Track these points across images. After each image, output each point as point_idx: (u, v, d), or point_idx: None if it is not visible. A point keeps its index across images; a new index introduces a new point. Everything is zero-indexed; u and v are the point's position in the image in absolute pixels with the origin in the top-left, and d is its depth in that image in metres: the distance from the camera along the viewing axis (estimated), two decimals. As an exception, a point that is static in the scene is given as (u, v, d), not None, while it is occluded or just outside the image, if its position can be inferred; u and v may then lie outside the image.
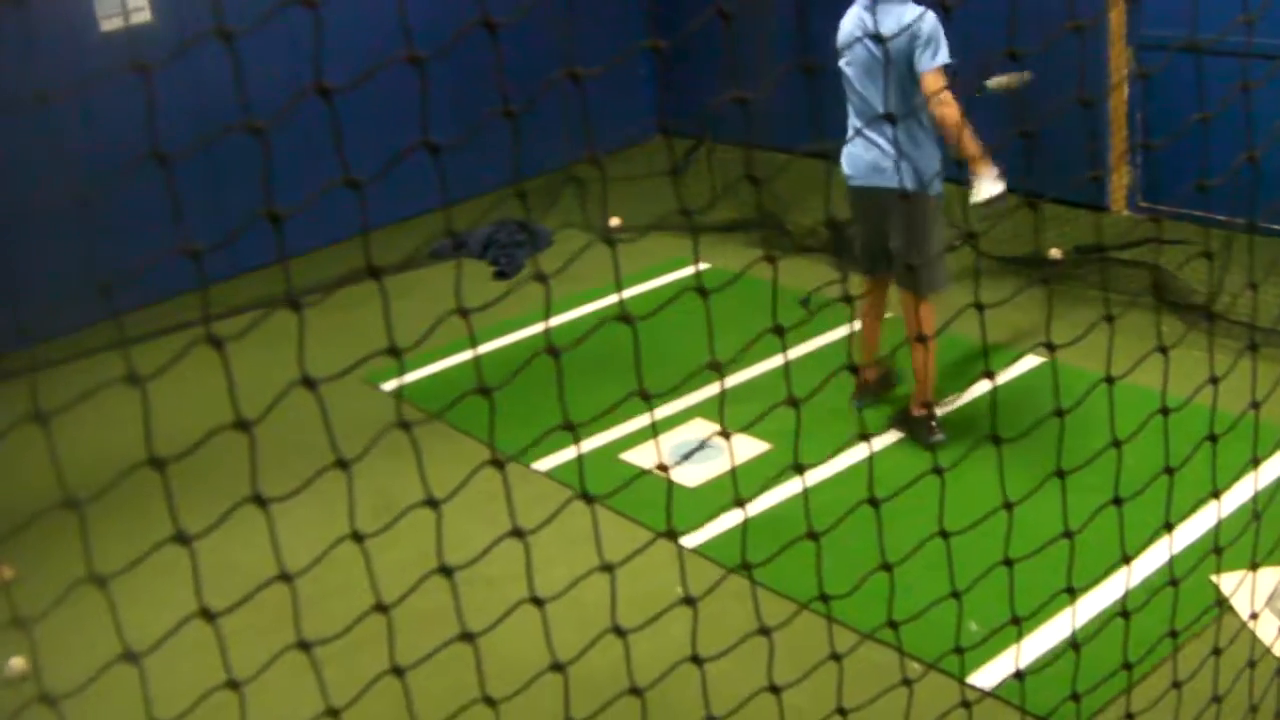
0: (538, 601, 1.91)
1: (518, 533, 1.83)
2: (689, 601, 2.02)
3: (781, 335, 1.88)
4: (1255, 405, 2.68)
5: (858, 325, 5.49)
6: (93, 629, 1.78)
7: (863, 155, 5.12)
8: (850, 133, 5.20)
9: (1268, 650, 3.51)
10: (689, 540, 4.59)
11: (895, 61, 4.90)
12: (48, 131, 6.07)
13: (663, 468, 1.96)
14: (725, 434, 1.97)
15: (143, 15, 7.17)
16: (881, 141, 5.03)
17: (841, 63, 5.11)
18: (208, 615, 1.59)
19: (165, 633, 1.76)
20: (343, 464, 1.65)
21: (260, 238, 1.61)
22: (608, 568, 1.95)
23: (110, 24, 7.08)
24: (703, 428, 5.52)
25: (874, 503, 2.14)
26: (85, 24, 6.97)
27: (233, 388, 1.50)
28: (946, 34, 4.91)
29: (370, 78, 1.59)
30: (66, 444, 2.80)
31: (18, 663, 4.31)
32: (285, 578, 1.65)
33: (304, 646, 1.71)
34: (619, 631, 1.98)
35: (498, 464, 1.80)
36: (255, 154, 1.49)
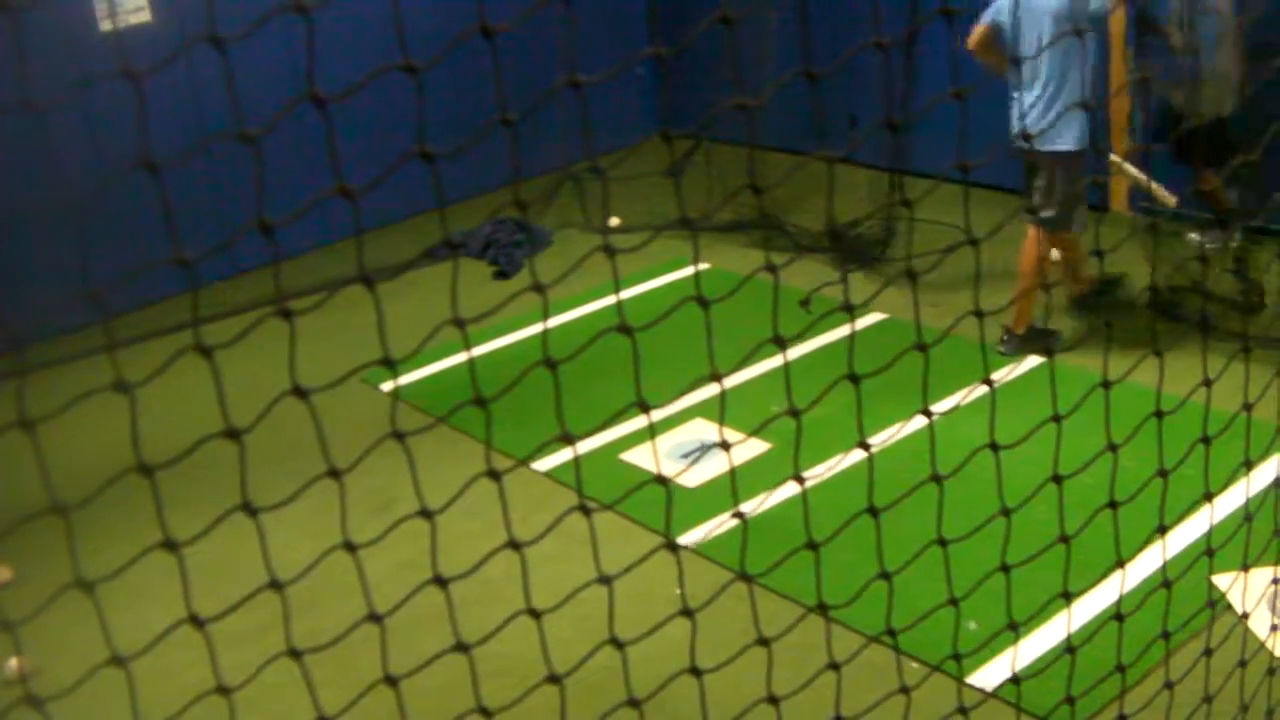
0: (535, 614, 1.91)
1: (515, 545, 1.84)
2: (688, 613, 2.02)
3: (783, 346, 1.88)
4: (1248, 408, 2.69)
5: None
6: (92, 628, 1.79)
7: (1036, 120, 5.64)
8: (1027, 98, 5.76)
9: (1261, 648, 3.52)
10: (686, 539, 4.61)
11: (1071, 19, 5.54)
12: (46, 132, 6.08)
13: (662, 479, 1.96)
14: (726, 445, 1.97)
15: (142, 15, 7.18)
16: (1050, 105, 5.61)
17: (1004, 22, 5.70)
18: (197, 622, 1.60)
19: (154, 638, 1.76)
20: (335, 474, 1.65)
21: (256, 239, 1.62)
22: (606, 580, 1.95)
23: (109, 24, 7.09)
24: (702, 428, 5.53)
25: (873, 512, 2.15)
26: (85, 24, 6.97)
27: (223, 397, 1.51)
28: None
29: (365, 86, 1.60)
30: (65, 442, 2.82)
31: (16, 663, 4.32)
32: (277, 585, 1.66)
33: (295, 655, 1.71)
34: (617, 643, 1.99)
35: (495, 475, 1.81)
36: (252, 155, 1.50)
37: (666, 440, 5.43)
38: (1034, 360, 5.58)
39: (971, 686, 3.71)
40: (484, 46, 1.77)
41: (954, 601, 2.31)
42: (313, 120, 1.91)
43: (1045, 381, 2.35)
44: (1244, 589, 3.28)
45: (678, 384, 2.32)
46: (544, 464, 5.27)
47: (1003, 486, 2.30)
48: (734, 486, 2.01)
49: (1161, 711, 2.81)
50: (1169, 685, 2.73)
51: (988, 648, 3.21)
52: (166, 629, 1.73)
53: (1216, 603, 3.63)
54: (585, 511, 1.90)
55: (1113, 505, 2.47)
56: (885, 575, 2.21)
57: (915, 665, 3.62)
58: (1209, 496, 2.72)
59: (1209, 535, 2.78)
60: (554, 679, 1.93)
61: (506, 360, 6.10)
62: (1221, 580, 3.79)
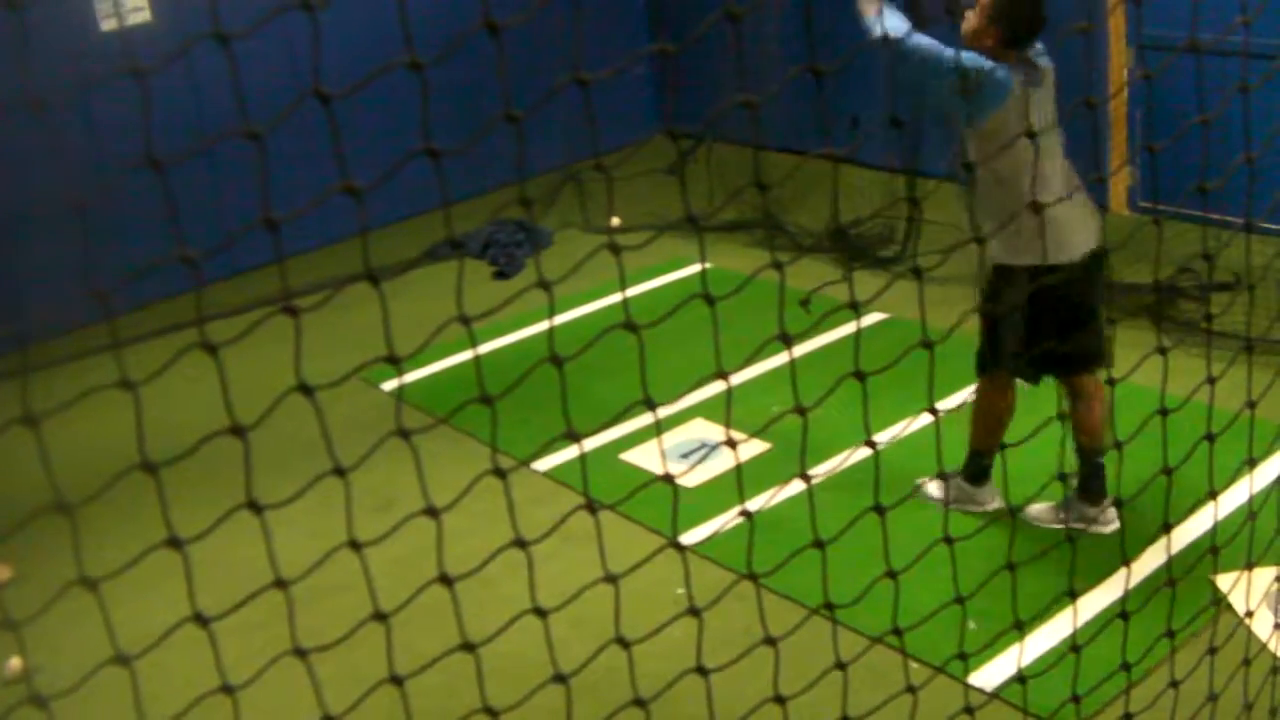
0: (540, 612, 1.91)
1: (520, 543, 1.83)
2: (694, 612, 2.02)
3: (788, 343, 1.88)
4: (1251, 405, 2.68)
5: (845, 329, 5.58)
6: (92, 627, 1.78)
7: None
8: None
9: (1264, 647, 3.52)
10: (688, 539, 4.60)
11: None
12: (47, 131, 6.08)
13: (669, 478, 1.96)
14: (731, 443, 1.97)
15: (142, 15, 7.17)
16: None
17: None
18: (202, 620, 1.59)
19: (158, 637, 1.76)
20: (340, 471, 1.65)
21: (258, 238, 1.61)
22: (611, 579, 1.94)
23: (110, 24, 7.08)
24: (702, 428, 5.52)
25: (880, 510, 2.14)
26: (85, 24, 6.97)
27: (227, 394, 1.50)
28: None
29: (369, 82, 1.59)
30: (67, 441, 2.82)
31: (17, 663, 4.31)
32: (281, 584, 1.65)
33: (300, 653, 1.71)
34: (623, 643, 1.98)
35: (499, 473, 1.80)
36: (254, 154, 1.49)
37: (666, 440, 5.42)
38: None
39: (974, 687, 3.70)
40: (480, 45, 1.77)
41: (959, 600, 2.30)
42: (313, 122, 1.90)
43: (1050, 381, 2.34)
44: (1247, 588, 3.28)
45: (677, 384, 2.32)
46: (544, 464, 5.26)
47: (1007, 485, 2.30)
48: (740, 484, 2.01)
49: (1166, 710, 2.81)
50: (1174, 684, 2.73)
51: (992, 647, 3.21)
52: (171, 627, 1.72)
53: (1220, 601, 3.63)
54: (591, 509, 1.89)
55: (1118, 504, 2.46)
56: (891, 574, 2.21)
57: (918, 666, 3.62)
58: (1213, 495, 2.72)
59: (1214, 533, 2.78)
60: (560, 678, 1.92)
61: (506, 360, 6.09)
62: (1225, 579, 3.78)
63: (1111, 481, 4.27)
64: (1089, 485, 4.22)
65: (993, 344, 4.16)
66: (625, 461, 5.31)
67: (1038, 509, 4.36)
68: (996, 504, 4.42)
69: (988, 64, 4.05)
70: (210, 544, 1.73)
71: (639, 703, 2.00)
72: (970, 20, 4.16)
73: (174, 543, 1.53)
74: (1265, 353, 5.03)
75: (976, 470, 4.42)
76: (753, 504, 2.06)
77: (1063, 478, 2.36)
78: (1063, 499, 4.27)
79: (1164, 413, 2.47)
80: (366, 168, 1.67)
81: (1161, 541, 2.71)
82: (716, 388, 2.02)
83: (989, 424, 4.26)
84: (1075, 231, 4.08)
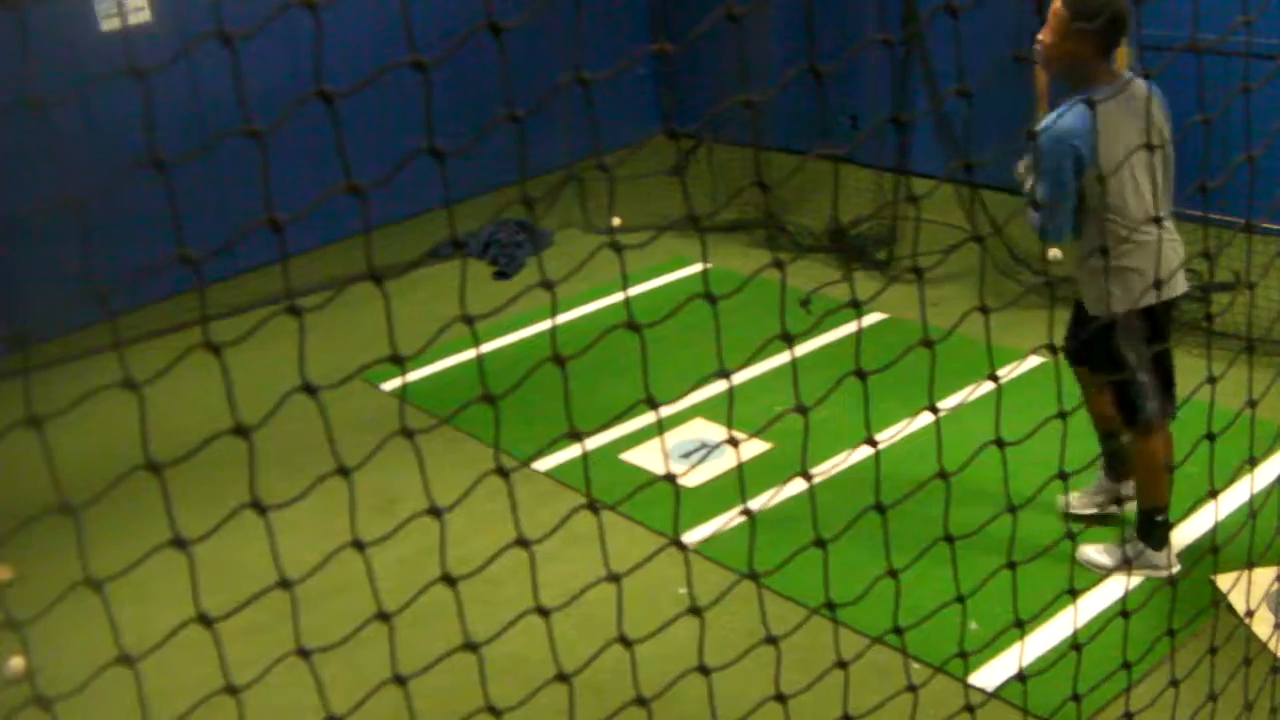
0: (543, 611, 1.91)
1: (523, 542, 1.83)
2: (695, 611, 2.02)
3: (790, 342, 1.88)
4: (1252, 404, 2.69)
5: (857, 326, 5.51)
6: (95, 628, 1.78)
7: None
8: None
9: (1264, 647, 3.52)
10: (689, 538, 4.61)
11: None
12: (46, 131, 6.08)
13: (670, 478, 1.95)
14: (733, 443, 1.97)
15: (142, 15, 7.17)
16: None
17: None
18: (205, 621, 1.59)
19: (162, 638, 1.76)
20: (344, 471, 1.65)
21: (260, 238, 1.61)
22: (614, 578, 1.95)
23: (110, 24, 7.08)
24: (703, 428, 5.52)
25: (880, 509, 2.14)
26: (85, 24, 6.97)
27: (231, 395, 1.50)
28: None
29: (372, 81, 1.59)
30: (69, 443, 2.82)
31: (18, 662, 4.31)
32: (285, 584, 1.65)
33: (304, 654, 1.71)
34: (625, 642, 1.98)
35: (502, 473, 1.80)
36: (256, 153, 1.50)
37: (668, 440, 5.43)
38: (1036, 359, 5.58)
39: (975, 687, 3.71)
40: (483, 44, 1.77)
41: (960, 599, 2.31)
42: (313, 120, 1.90)
43: (1050, 379, 2.35)
44: (1248, 588, 3.28)
45: (678, 384, 2.33)
46: (544, 463, 5.26)
47: (1008, 484, 2.30)
48: (742, 483, 2.01)
49: (1166, 709, 2.81)
50: (1174, 683, 2.73)
51: (992, 647, 3.21)
52: (175, 628, 1.72)
53: (1220, 601, 3.63)
54: (593, 509, 1.89)
55: (1118, 502, 2.46)
56: (892, 573, 2.21)
57: (919, 666, 3.62)
58: (1214, 494, 2.72)
59: (1214, 533, 2.78)
60: (563, 677, 1.92)
61: (507, 360, 6.09)
62: (1225, 578, 3.78)
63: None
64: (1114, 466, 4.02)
65: (1137, 394, 3.75)
66: (626, 461, 5.31)
67: (1092, 550, 3.93)
68: (1177, 568, 4.00)
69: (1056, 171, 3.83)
70: (214, 545, 1.73)
71: (641, 701, 2.00)
72: (1045, 35, 3.93)
73: (178, 543, 1.53)
74: (1266, 352, 5.04)
75: (1151, 529, 3.93)
76: (754, 503, 2.06)
77: (1063, 476, 2.36)
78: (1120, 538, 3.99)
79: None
80: (370, 166, 1.68)
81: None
82: (718, 387, 2.03)
83: (1160, 475, 3.83)
84: (1177, 258, 3.92)
